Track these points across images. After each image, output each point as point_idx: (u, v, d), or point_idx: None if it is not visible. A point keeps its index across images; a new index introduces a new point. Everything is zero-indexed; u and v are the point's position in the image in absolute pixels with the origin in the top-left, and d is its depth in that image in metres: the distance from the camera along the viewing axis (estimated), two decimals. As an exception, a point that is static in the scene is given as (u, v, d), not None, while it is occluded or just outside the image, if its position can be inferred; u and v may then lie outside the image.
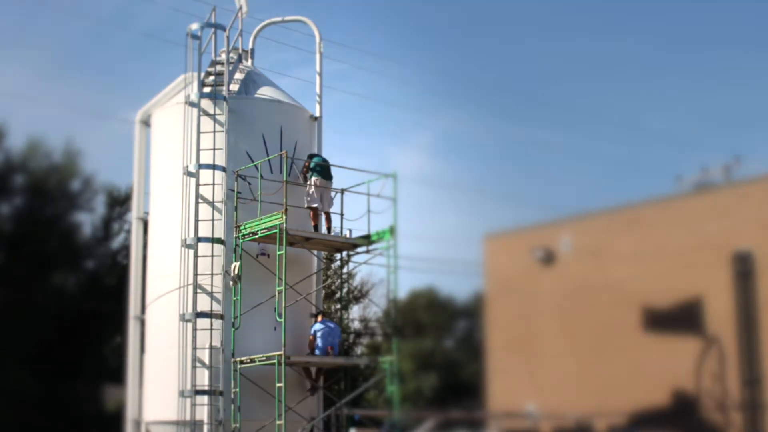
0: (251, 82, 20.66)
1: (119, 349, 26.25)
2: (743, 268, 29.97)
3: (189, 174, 19.30)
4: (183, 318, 18.84)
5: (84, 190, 34.67)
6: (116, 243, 35.86)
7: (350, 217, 20.25)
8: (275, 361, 18.07)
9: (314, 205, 19.64)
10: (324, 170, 19.77)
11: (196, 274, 18.94)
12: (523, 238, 36.24)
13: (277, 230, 18.29)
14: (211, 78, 20.11)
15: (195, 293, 18.89)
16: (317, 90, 21.48)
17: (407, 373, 46.33)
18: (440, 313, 50.77)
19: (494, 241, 37.05)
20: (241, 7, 21.05)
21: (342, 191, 20.37)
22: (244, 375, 18.58)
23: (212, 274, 18.99)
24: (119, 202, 35.60)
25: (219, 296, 18.96)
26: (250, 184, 19.24)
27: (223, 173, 19.32)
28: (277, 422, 17.92)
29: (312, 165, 19.79)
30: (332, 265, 25.71)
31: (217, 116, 19.53)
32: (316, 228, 19.68)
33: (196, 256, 19.01)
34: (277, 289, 18.42)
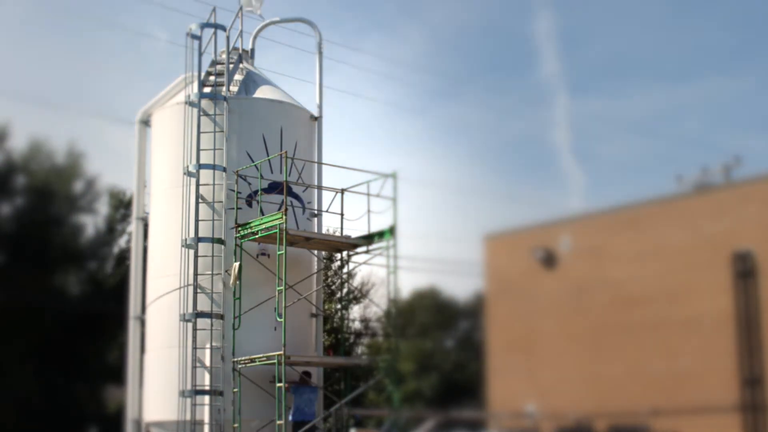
0: (251, 82, 20.67)
1: (120, 350, 26.26)
2: (743, 268, 29.94)
3: (189, 174, 19.33)
4: (183, 318, 18.86)
5: (87, 192, 34.69)
6: (120, 244, 35.91)
7: (350, 217, 20.30)
8: (275, 361, 18.08)
9: None
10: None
11: (196, 274, 18.96)
12: (523, 238, 36.19)
13: (277, 230, 18.30)
14: (211, 78, 20.13)
15: (195, 293, 18.90)
16: (317, 90, 21.50)
17: (407, 374, 46.31)
18: (441, 314, 50.76)
19: (494, 241, 37.03)
20: (241, 8, 21.06)
21: (342, 191, 20.39)
22: (244, 375, 18.59)
23: (212, 274, 19.01)
24: (124, 205, 35.65)
25: (219, 296, 18.98)
26: (250, 184, 19.25)
27: (224, 173, 19.34)
28: (278, 422, 17.93)
29: None
30: (332, 265, 25.74)
31: (217, 116, 19.55)
32: None
33: (196, 256, 19.03)
34: (277, 289, 18.43)
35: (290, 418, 18.65)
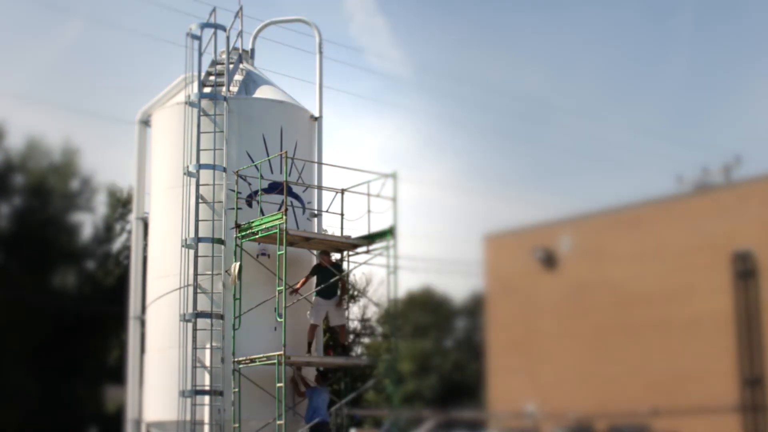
0: (251, 82, 20.66)
1: (120, 350, 26.26)
2: (743, 268, 29.91)
3: (189, 174, 19.31)
4: (183, 318, 18.84)
5: (83, 189, 34.68)
6: (118, 243, 35.93)
7: (350, 217, 20.27)
8: (275, 361, 18.07)
9: (312, 322, 19.36)
10: (324, 291, 19.28)
11: (196, 274, 18.94)
12: (523, 238, 36.19)
13: (277, 230, 18.29)
14: (211, 78, 20.11)
15: (195, 293, 18.89)
16: (317, 90, 21.47)
17: (407, 374, 46.30)
18: (440, 314, 50.76)
19: (494, 241, 37.02)
20: (241, 8, 21.06)
21: (342, 191, 20.37)
22: (244, 375, 18.59)
23: (212, 274, 18.99)
24: (122, 203, 35.64)
25: (219, 296, 18.97)
26: (250, 184, 19.24)
27: (224, 173, 19.32)
28: (278, 422, 17.92)
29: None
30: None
31: (216, 116, 19.53)
32: (310, 345, 19.22)
33: (196, 256, 19.02)
34: (277, 289, 18.42)
35: (307, 419, 18.82)
